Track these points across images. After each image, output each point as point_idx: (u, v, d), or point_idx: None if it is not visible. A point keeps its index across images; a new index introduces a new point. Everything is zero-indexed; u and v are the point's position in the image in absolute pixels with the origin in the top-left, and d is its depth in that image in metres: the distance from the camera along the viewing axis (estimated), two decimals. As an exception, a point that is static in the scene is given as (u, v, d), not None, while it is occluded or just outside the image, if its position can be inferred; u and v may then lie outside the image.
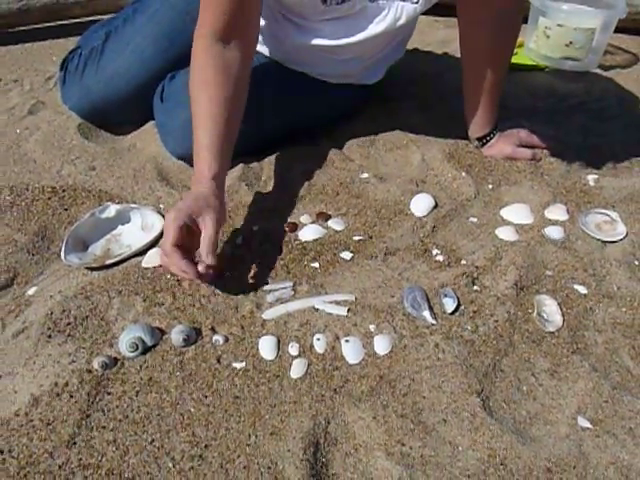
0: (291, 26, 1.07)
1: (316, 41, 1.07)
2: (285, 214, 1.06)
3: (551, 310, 0.88)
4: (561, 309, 0.88)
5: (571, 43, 1.52)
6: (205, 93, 0.93)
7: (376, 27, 1.04)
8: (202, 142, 0.92)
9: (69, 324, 0.84)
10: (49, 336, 0.82)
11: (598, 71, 1.63)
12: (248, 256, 0.96)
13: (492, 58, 1.11)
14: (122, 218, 1.02)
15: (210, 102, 0.93)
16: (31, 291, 0.91)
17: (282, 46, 1.12)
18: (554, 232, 1.01)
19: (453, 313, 0.86)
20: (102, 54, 1.21)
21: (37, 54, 1.66)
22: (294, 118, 1.22)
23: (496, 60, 1.12)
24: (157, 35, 1.17)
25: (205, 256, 0.84)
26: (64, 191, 1.10)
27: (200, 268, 0.84)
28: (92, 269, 0.94)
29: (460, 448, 0.70)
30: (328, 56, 1.12)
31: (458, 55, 1.67)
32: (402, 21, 1.03)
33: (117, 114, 1.26)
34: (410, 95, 1.44)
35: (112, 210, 1.01)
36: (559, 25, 1.52)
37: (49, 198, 1.08)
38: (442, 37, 1.81)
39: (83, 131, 1.27)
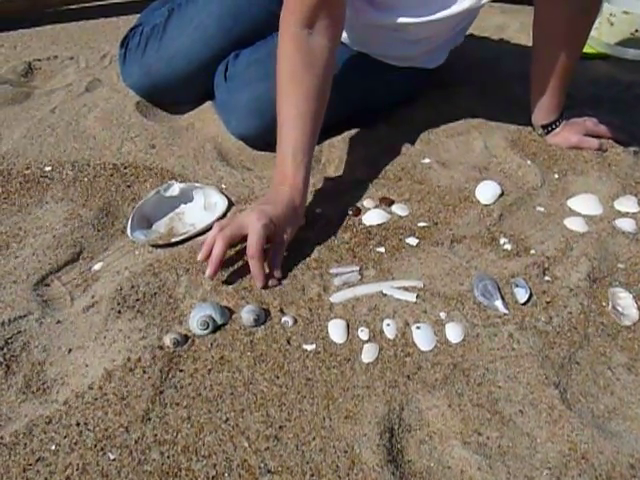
0: (368, 5, 1.04)
1: (394, 19, 1.04)
2: (347, 198, 1.04)
3: (626, 303, 0.85)
4: (636, 303, 0.85)
5: (637, 31, 1.47)
6: (294, 89, 0.91)
7: (460, 5, 1.01)
8: (289, 143, 0.91)
9: (138, 300, 0.84)
10: (119, 311, 0.82)
11: (663, 61, 1.58)
12: (312, 239, 0.95)
13: (567, 40, 1.07)
14: (185, 197, 1.02)
15: (299, 99, 0.91)
16: (97, 266, 0.91)
17: (352, 25, 1.09)
18: (626, 224, 0.98)
19: (525, 303, 0.84)
20: (164, 32, 1.20)
21: (91, 32, 1.66)
22: (353, 100, 1.20)
23: (571, 43, 1.08)
24: (221, 13, 1.16)
25: (277, 271, 0.86)
26: (125, 168, 1.10)
27: (271, 282, 0.86)
28: (157, 246, 0.94)
29: (539, 440, 0.69)
30: (398, 35, 1.10)
31: (515, 41, 1.66)
32: None
33: (177, 93, 1.25)
34: (468, 81, 1.41)
35: (176, 189, 1.01)
36: (625, 12, 1.47)
37: (111, 175, 1.08)
38: (498, 23, 1.77)
39: (141, 109, 1.27)
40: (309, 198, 1.03)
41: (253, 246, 0.82)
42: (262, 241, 0.83)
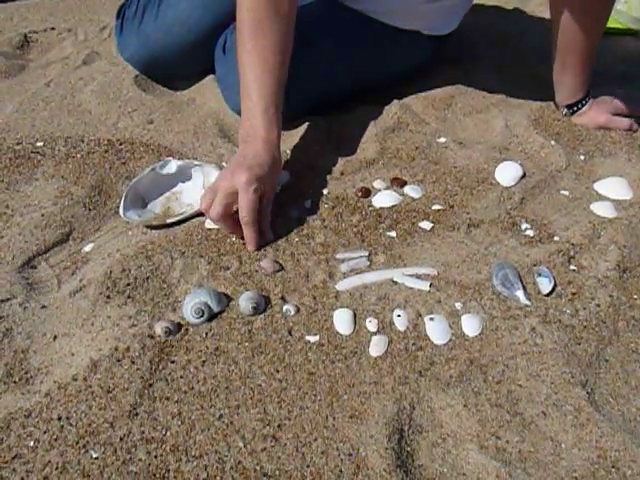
0: None
1: None
2: (356, 178, 0.98)
3: (660, 296, 0.78)
4: (670, 295, 0.78)
5: (670, 5, 1.38)
6: (259, 40, 0.87)
7: None
8: (260, 98, 0.87)
9: (129, 285, 0.78)
10: (108, 296, 0.77)
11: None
12: (318, 221, 0.89)
13: (588, 12, 0.98)
14: (183, 175, 0.95)
15: (266, 52, 0.87)
16: (88, 248, 0.85)
17: None
18: (658, 210, 0.91)
19: (549, 294, 0.77)
20: None
21: (91, 3, 1.60)
22: (359, 71, 1.13)
23: (593, 14, 0.98)
24: None
25: (269, 232, 0.85)
26: (121, 144, 1.04)
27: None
28: (152, 227, 0.87)
29: (563, 446, 0.62)
30: None
31: (539, 15, 1.57)
32: None
33: (176, 65, 1.18)
34: (489, 56, 1.33)
35: (173, 166, 0.94)
36: (657, -16, 1.38)
37: (106, 151, 1.02)
38: (520, -3, 1.68)
39: (140, 83, 1.21)
40: (315, 178, 0.97)
41: (248, 213, 0.80)
42: (255, 206, 0.81)
